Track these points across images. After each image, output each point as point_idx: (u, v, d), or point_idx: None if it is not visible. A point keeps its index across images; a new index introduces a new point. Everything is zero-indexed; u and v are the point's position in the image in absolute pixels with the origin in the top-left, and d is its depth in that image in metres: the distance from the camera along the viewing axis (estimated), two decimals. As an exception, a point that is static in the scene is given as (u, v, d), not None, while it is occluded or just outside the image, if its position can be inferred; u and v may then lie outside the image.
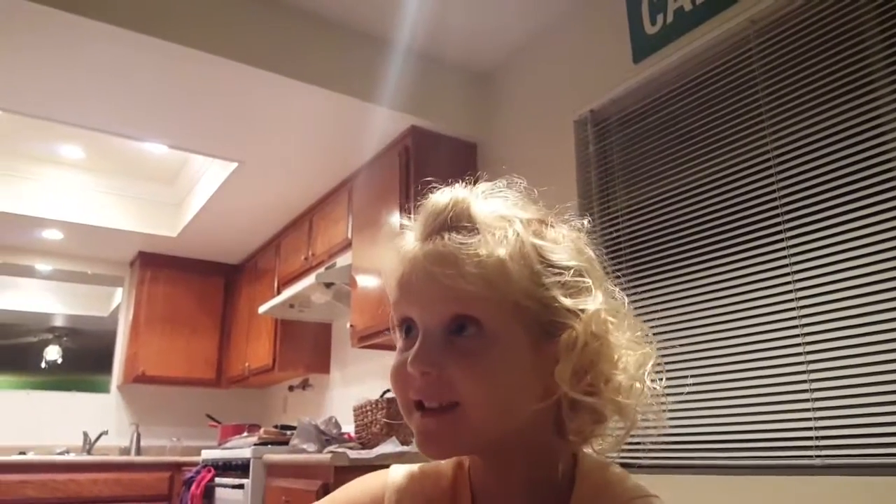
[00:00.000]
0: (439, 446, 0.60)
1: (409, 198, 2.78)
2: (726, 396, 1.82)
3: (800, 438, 1.64)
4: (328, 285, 3.31)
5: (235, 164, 3.33)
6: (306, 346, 3.95)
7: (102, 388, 4.62)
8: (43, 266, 4.64)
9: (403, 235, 0.64)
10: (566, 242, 0.62)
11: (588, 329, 0.57)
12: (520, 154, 2.76)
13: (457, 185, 0.64)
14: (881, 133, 1.58)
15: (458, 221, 0.60)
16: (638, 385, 0.60)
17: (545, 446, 0.62)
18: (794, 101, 1.77)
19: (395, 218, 2.81)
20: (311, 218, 3.72)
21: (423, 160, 2.84)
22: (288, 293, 3.51)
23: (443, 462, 0.70)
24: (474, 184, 0.64)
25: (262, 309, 3.78)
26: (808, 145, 1.72)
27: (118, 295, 4.88)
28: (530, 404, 0.58)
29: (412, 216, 0.65)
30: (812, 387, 1.63)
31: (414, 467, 0.72)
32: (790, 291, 1.71)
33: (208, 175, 3.83)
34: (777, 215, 1.77)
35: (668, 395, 0.62)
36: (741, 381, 1.79)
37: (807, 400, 1.63)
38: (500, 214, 0.60)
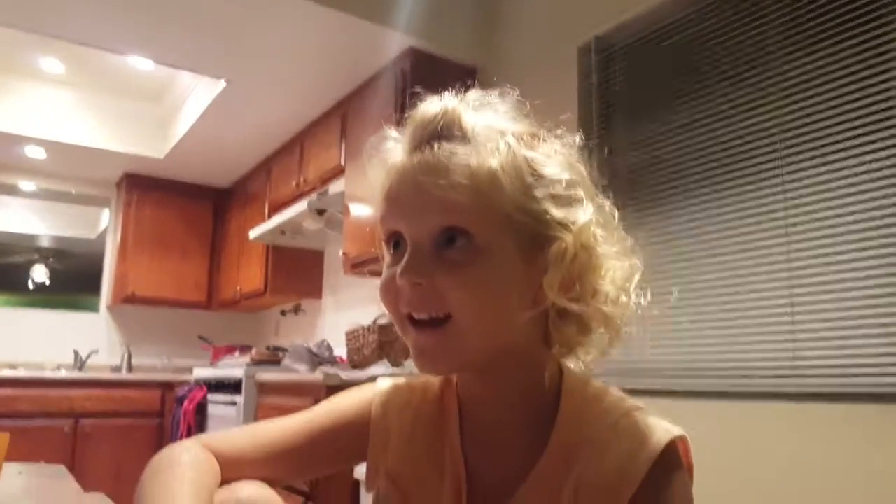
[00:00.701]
0: (435, 362, 0.60)
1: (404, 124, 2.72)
2: (713, 325, 1.87)
3: (779, 367, 1.70)
4: (320, 212, 3.29)
5: (224, 84, 3.23)
6: (298, 272, 3.96)
7: (92, 309, 4.63)
8: (26, 185, 4.55)
9: (390, 147, 0.63)
10: (558, 156, 0.61)
11: (578, 241, 0.57)
12: (521, 81, 2.62)
13: (446, 94, 0.62)
14: (885, 70, 1.57)
15: (448, 131, 0.58)
16: (624, 297, 0.60)
17: (533, 358, 0.63)
18: (803, 34, 1.74)
19: (376, 153, 2.75)
20: (303, 142, 3.65)
21: (421, 85, 2.76)
22: (279, 219, 3.49)
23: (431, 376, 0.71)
24: (464, 93, 0.62)
25: (252, 234, 3.77)
26: (812, 80, 1.71)
27: (105, 216, 4.82)
28: (520, 315, 0.58)
29: (399, 128, 0.63)
30: (794, 318, 1.68)
31: (401, 380, 0.73)
32: (782, 227, 1.74)
33: (196, 94, 3.72)
34: (776, 150, 1.77)
35: (651, 308, 0.62)
36: (728, 311, 1.84)
37: (789, 331, 1.69)
38: (491, 126, 0.59)
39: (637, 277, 0.61)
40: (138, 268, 4.38)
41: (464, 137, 0.58)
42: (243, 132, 3.79)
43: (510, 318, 0.58)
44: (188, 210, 4.63)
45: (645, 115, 2.16)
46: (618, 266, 0.61)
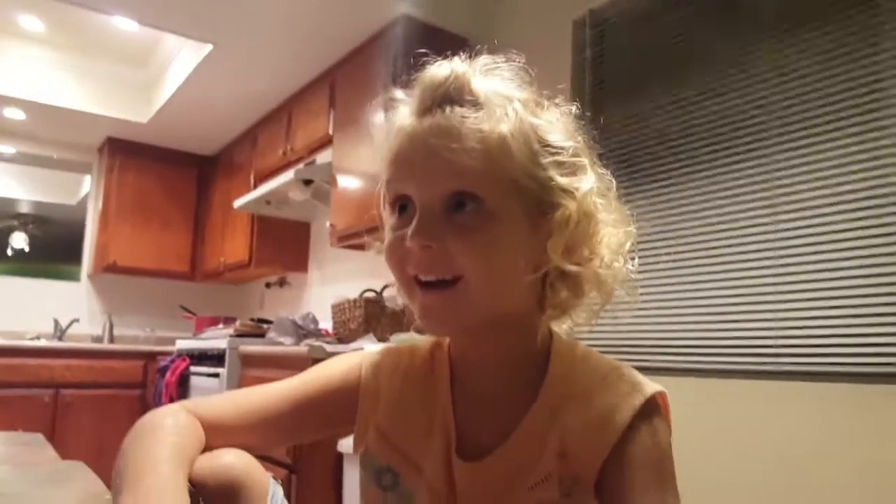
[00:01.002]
0: (442, 322, 0.61)
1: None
2: (699, 303, 1.88)
3: (763, 346, 1.72)
4: (307, 183, 3.23)
5: (210, 47, 3.13)
6: (284, 244, 3.91)
7: (72, 278, 4.55)
8: (5, 148, 4.43)
9: (396, 110, 0.63)
10: (560, 124, 0.62)
11: (581, 207, 0.59)
12: (514, 49, 2.64)
13: (455, 58, 0.62)
14: (874, 53, 1.58)
15: (458, 95, 0.59)
16: (617, 262, 0.63)
17: (528, 321, 0.65)
18: (794, 15, 1.73)
19: (380, 116, 2.70)
20: (290, 110, 3.57)
21: (411, 53, 2.70)
22: (264, 189, 3.42)
23: (420, 340, 0.72)
24: (470, 58, 0.62)
25: (237, 204, 3.70)
26: (803, 61, 1.71)
27: (87, 183, 4.72)
28: (524, 279, 0.60)
29: (405, 91, 0.63)
30: (779, 298, 1.70)
31: (390, 345, 0.75)
32: (769, 206, 1.75)
33: (181, 58, 3.62)
34: (766, 130, 1.78)
35: (642, 274, 0.64)
36: (715, 289, 1.84)
37: (773, 311, 1.70)
38: (499, 91, 0.60)
39: (629, 244, 0.63)
40: (120, 236, 4.29)
41: (474, 102, 0.58)
42: (229, 98, 3.71)
43: (516, 281, 0.60)
44: (172, 178, 4.53)
45: (636, 91, 2.14)
46: (614, 232, 0.63)
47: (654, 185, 2.05)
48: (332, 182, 3.02)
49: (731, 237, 1.82)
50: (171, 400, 3.13)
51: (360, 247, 3.00)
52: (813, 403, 1.58)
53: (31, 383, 3.67)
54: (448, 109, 0.58)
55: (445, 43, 2.80)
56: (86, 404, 3.75)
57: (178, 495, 0.54)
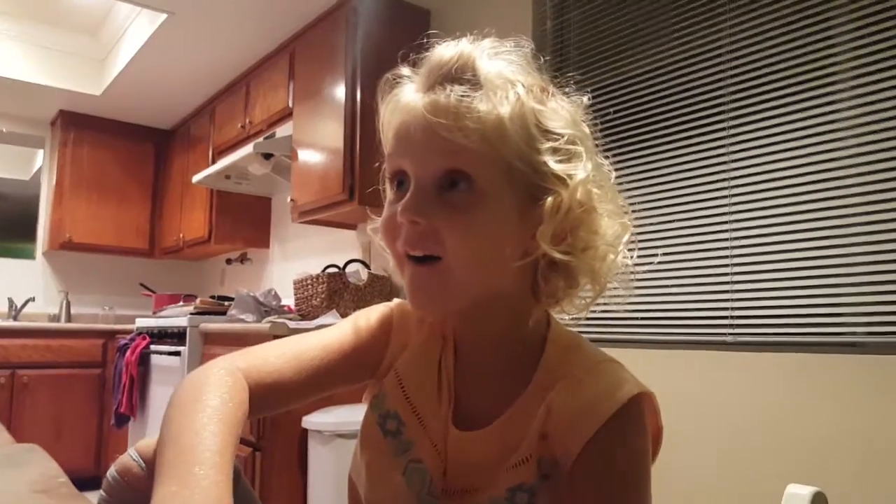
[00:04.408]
0: (430, 298, 0.62)
1: (355, 66, 2.62)
2: (654, 276, 1.91)
3: (717, 318, 1.76)
4: (267, 157, 3.17)
5: (165, 16, 3.03)
6: (244, 220, 3.84)
7: (27, 255, 4.41)
8: (-49, 121, 4.25)
9: (403, 85, 0.64)
10: (564, 112, 0.63)
11: (574, 196, 0.59)
12: (474, 26, 2.59)
13: (464, 39, 0.63)
14: (825, 29, 1.61)
15: (461, 74, 0.59)
16: (612, 254, 0.63)
17: (519, 306, 0.65)
18: None
19: (341, 89, 2.66)
20: (249, 82, 3.49)
21: (373, 25, 2.65)
22: (223, 163, 3.35)
23: None
24: (481, 39, 0.63)
25: (195, 178, 3.61)
26: (759, 35, 1.72)
27: (39, 157, 4.56)
28: (511, 263, 0.60)
29: (414, 68, 0.64)
30: (733, 270, 1.73)
31: None
32: (725, 179, 1.77)
33: (135, 27, 3.49)
34: (723, 103, 1.80)
35: (637, 266, 0.65)
36: (669, 262, 1.87)
37: (727, 283, 1.74)
38: (503, 74, 0.60)
39: (627, 237, 0.64)
40: (76, 212, 4.18)
41: (476, 83, 0.59)
42: (185, 70, 3.60)
43: (501, 265, 0.60)
44: (128, 152, 4.41)
45: (596, 64, 2.14)
46: (610, 224, 0.63)
47: (608, 159, 2.05)
48: (293, 155, 2.97)
49: (686, 210, 1.85)
50: (132, 379, 3.09)
51: (323, 222, 2.97)
52: (767, 373, 1.62)
53: (-16, 364, 3.57)
54: (449, 88, 0.58)
55: (406, 14, 2.75)
56: (43, 385, 3.68)
57: (222, 488, 0.48)
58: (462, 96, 0.57)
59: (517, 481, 0.61)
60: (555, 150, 0.60)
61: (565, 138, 0.60)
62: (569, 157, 0.61)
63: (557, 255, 0.59)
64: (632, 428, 0.59)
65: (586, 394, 0.60)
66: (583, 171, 0.60)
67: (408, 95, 0.62)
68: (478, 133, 0.56)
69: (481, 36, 0.64)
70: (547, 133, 0.60)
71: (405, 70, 0.65)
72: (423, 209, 0.58)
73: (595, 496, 0.57)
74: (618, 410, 0.58)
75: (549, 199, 0.59)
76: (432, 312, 0.69)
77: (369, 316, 0.73)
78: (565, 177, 0.59)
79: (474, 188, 0.58)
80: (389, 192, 0.64)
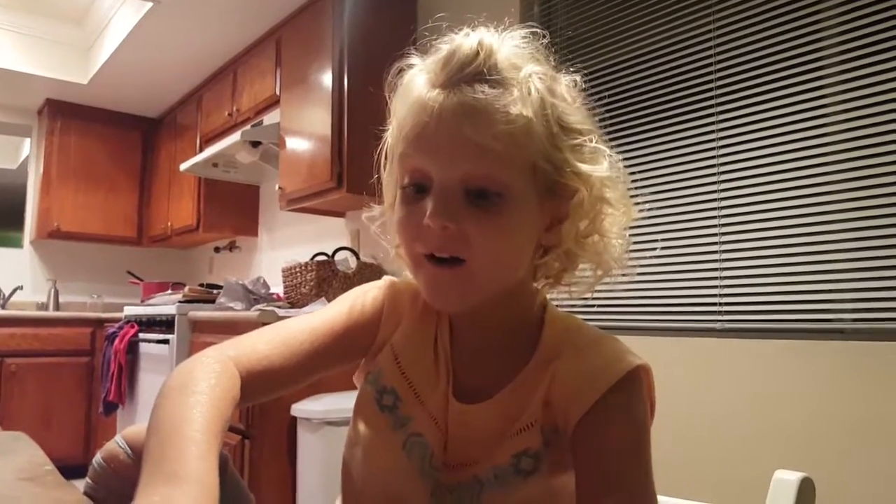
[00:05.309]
0: (448, 296, 0.62)
1: (342, 53, 2.60)
2: (643, 263, 1.90)
3: (707, 304, 1.76)
4: (255, 144, 3.15)
5: (150, 4, 3.00)
6: (232, 208, 3.83)
7: (14, 244, 4.39)
8: (-65, 110, 4.21)
9: (415, 77, 0.61)
10: (576, 104, 0.63)
11: (594, 192, 0.61)
12: (461, 10, 2.59)
13: (480, 29, 0.61)
14: (815, 13, 1.60)
15: (485, 72, 0.57)
16: (617, 240, 0.65)
17: (523, 292, 0.66)
18: None
19: (328, 75, 2.64)
20: (236, 70, 3.46)
21: (359, 11, 2.64)
22: (211, 151, 3.33)
23: None
24: (497, 27, 0.62)
25: (183, 167, 3.59)
26: (747, 20, 1.72)
27: (27, 146, 4.52)
28: (528, 259, 0.62)
29: (424, 57, 0.62)
30: (722, 257, 1.73)
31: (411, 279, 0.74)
32: (714, 166, 1.78)
33: (121, 15, 3.46)
34: (711, 89, 1.80)
35: (635, 253, 0.68)
36: (659, 249, 1.86)
37: (716, 269, 1.74)
38: (521, 67, 0.59)
39: (629, 222, 0.66)
40: (63, 201, 4.15)
41: (500, 81, 0.57)
42: (172, 58, 3.57)
43: (521, 263, 0.62)
44: (116, 140, 4.38)
45: (585, 50, 2.13)
46: (618, 215, 0.65)
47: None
48: (281, 143, 2.95)
49: (675, 196, 1.85)
50: (120, 367, 3.09)
51: (311, 210, 2.96)
52: (756, 359, 1.63)
53: (-28, 352, 3.56)
54: (477, 88, 0.57)
55: (392, 1, 2.71)
56: (31, 373, 3.67)
57: (207, 484, 0.47)
58: (493, 97, 0.56)
59: (522, 447, 0.61)
60: (574, 147, 0.60)
61: (583, 134, 0.61)
62: (588, 153, 0.61)
63: (577, 250, 0.62)
64: (634, 397, 0.60)
65: (590, 362, 0.61)
66: (601, 168, 0.61)
67: (425, 91, 0.59)
68: (509, 135, 0.56)
69: (474, 23, 0.62)
70: (566, 130, 0.60)
71: (415, 59, 0.63)
72: (454, 214, 0.57)
73: (597, 462, 0.57)
74: (620, 379, 0.59)
75: (575, 199, 0.60)
76: (451, 308, 0.68)
77: (360, 295, 0.72)
78: (585, 174, 0.60)
79: (503, 191, 0.57)
80: (399, 191, 0.62)
